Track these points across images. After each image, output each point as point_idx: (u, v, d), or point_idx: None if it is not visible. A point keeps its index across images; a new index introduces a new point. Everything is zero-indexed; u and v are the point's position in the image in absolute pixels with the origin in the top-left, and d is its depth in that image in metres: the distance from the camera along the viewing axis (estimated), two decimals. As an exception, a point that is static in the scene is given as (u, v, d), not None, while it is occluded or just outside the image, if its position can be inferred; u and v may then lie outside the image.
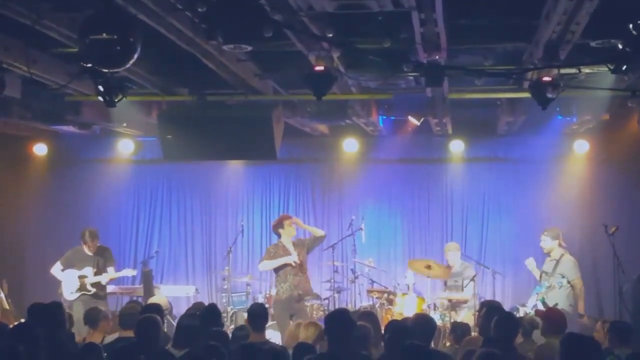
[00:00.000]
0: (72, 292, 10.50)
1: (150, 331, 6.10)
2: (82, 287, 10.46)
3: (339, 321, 5.53)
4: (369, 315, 7.65)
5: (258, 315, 7.15)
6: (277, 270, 10.46)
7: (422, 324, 6.43)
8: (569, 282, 10.13)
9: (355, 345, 5.74)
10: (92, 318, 7.86)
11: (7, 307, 11.88)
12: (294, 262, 10.26)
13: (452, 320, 9.93)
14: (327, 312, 11.45)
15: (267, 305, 10.80)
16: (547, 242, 10.51)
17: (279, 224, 10.60)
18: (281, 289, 10.29)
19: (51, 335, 5.99)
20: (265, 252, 10.83)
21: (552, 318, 7.30)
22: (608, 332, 6.83)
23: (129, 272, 11.37)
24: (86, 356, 5.60)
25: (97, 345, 5.79)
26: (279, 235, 10.61)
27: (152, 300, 9.90)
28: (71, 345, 6.36)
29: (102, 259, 10.73)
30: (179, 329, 6.63)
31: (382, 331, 6.87)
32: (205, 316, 7.02)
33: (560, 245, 10.55)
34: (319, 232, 10.77)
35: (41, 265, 12.45)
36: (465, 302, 10.90)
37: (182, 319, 6.93)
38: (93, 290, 10.50)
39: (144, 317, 6.37)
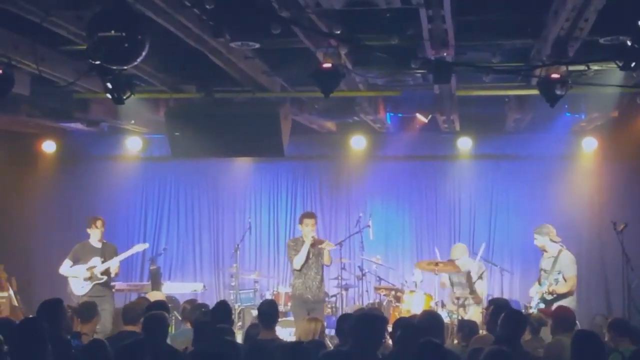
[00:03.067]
0: (82, 287, 10.28)
1: (157, 328, 6.11)
2: (92, 277, 10.26)
3: (371, 327, 5.44)
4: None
5: (268, 312, 7.15)
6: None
7: (430, 321, 6.41)
8: (564, 278, 10.02)
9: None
10: (87, 312, 7.74)
11: (16, 304, 11.92)
12: (313, 237, 9.88)
13: (459, 318, 9.91)
14: (334, 309, 11.52)
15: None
16: (538, 240, 10.39)
17: (299, 220, 10.23)
18: (296, 284, 10.04)
19: (54, 332, 6.01)
20: (287, 249, 10.29)
21: (560, 316, 7.29)
22: (609, 330, 6.80)
23: (140, 247, 11.25)
24: (92, 352, 5.60)
25: (102, 342, 5.79)
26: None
27: (149, 297, 9.85)
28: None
29: (109, 251, 10.53)
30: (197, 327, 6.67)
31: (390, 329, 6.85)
32: (215, 313, 7.03)
33: (552, 241, 10.40)
34: (327, 261, 10.16)
35: (50, 263, 12.47)
36: (479, 300, 10.80)
37: (199, 317, 6.97)
38: (104, 277, 10.34)
39: (152, 314, 6.38)
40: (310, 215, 10.31)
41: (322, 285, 10.11)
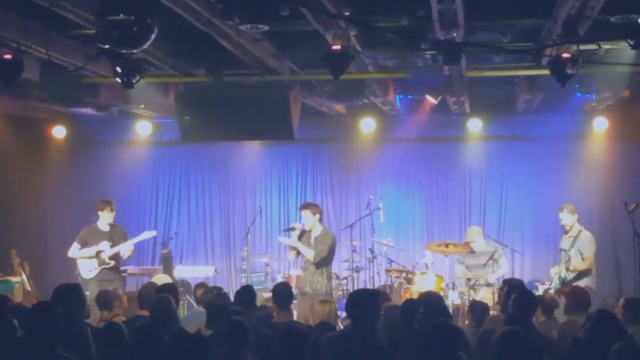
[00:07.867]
0: (90, 270, 10.21)
1: (163, 311, 6.13)
2: (101, 262, 10.19)
3: (364, 302, 5.48)
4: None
5: (282, 293, 7.12)
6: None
7: (429, 302, 6.43)
8: (582, 258, 10.04)
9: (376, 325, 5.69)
10: (104, 300, 7.50)
11: (30, 288, 11.99)
12: (298, 227, 9.71)
13: (470, 299, 9.92)
14: (345, 292, 11.54)
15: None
16: (568, 218, 10.40)
17: None
18: (301, 275, 10.06)
19: (70, 317, 6.02)
20: None
21: (575, 295, 7.28)
22: (622, 309, 6.74)
23: (148, 235, 11.15)
24: (109, 335, 5.64)
25: (118, 324, 5.82)
26: None
27: (153, 280, 9.82)
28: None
29: (117, 234, 10.43)
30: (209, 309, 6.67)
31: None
32: (240, 297, 7.02)
33: (577, 221, 10.46)
34: (308, 256, 9.60)
35: (62, 247, 12.51)
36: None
37: (212, 299, 6.97)
38: (112, 262, 10.26)
39: (158, 297, 6.41)
40: (301, 207, 10.09)
41: (323, 283, 9.51)
